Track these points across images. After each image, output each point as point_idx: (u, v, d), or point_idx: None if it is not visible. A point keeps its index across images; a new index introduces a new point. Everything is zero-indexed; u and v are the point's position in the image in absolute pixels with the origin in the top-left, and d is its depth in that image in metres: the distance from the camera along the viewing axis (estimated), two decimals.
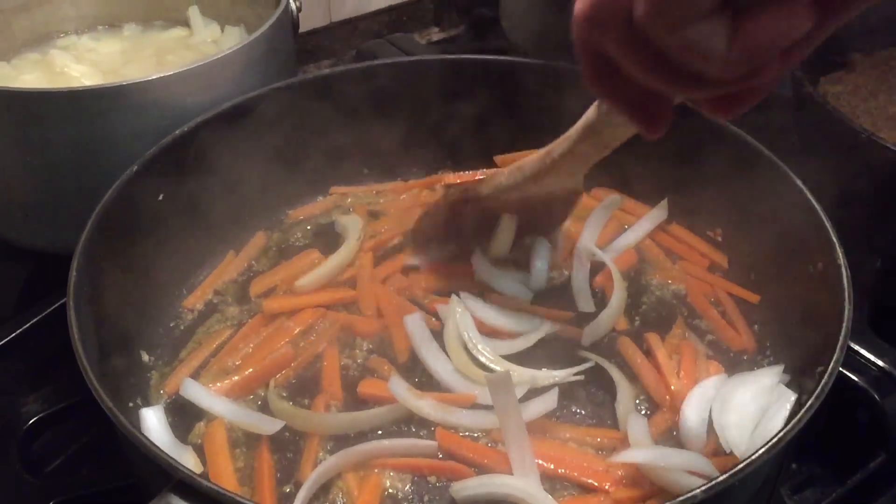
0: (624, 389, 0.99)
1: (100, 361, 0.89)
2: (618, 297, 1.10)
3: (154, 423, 0.93)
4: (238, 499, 0.68)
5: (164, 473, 0.71)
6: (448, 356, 1.02)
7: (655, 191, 1.22)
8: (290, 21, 1.31)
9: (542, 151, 1.03)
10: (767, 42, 0.49)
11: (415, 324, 1.05)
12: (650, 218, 1.22)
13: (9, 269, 1.29)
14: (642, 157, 1.15)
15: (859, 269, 1.16)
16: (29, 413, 1.02)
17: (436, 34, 1.97)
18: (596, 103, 0.89)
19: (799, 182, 1.02)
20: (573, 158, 0.99)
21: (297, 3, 1.35)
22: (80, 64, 1.41)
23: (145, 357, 1.04)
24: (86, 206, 0.99)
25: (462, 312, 1.06)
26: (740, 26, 0.49)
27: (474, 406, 0.97)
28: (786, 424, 0.75)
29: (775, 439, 0.73)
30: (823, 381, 0.77)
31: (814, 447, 1.06)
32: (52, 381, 1.06)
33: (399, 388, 0.96)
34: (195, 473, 0.70)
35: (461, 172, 1.32)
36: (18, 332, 1.10)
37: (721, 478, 0.70)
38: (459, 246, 1.16)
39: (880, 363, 1.02)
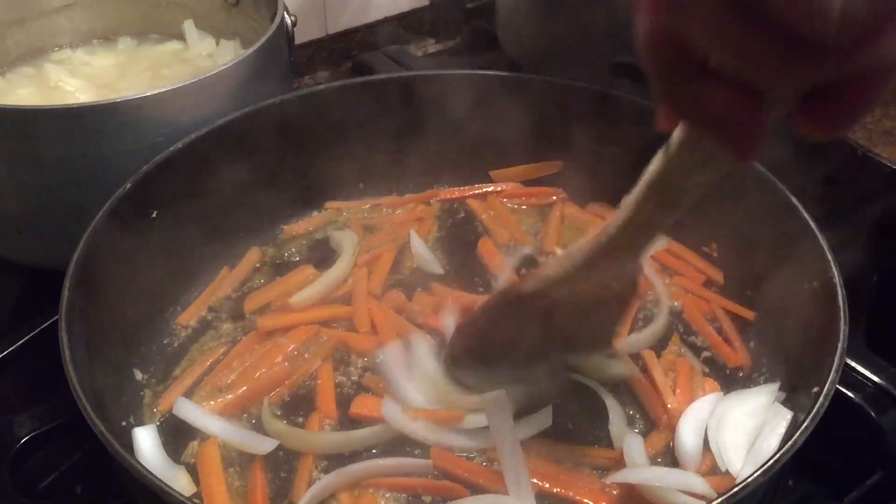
0: (615, 412, 0.98)
1: (92, 380, 0.89)
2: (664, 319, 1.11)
3: (147, 443, 0.92)
4: None
5: (155, 497, 0.71)
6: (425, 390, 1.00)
7: None
8: (285, 35, 1.31)
9: (594, 232, 0.84)
10: None
11: (391, 357, 1.03)
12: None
13: (2, 284, 1.28)
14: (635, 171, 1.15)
15: (856, 285, 1.17)
16: (21, 431, 1.02)
17: (432, 46, 1.97)
18: (663, 150, 0.72)
19: (794, 199, 1.01)
20: (634, 229, 0.79)
21: (293, 17, 1.34)
22: (74, 78, 1.41)
23: (138, 375, 1.04)
24: (79, 223, 0.99)
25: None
26: None
27: (468, 426, 0.96)
28: (782, 445, 0.75)
29: (772, 461, 0.72)
30: (819, 403, 0.77)
31: (810, 464, 1.05)
32: (45, 399, 1.06)
33: (392, 410, 0.96)
34: (187, 498, 0.70)
35: (456, 188, 1.32)
36: (11, 349, 1.08)
37: (717, 500, 0.70)
38: (499, 366, 0.99)
39: (876, 380, 1.02)
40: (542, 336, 0.92)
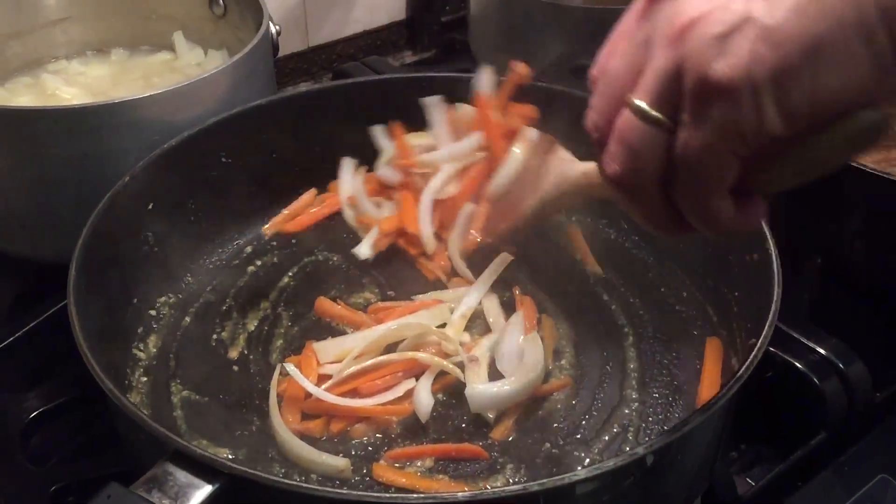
0: None
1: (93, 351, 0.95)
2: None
3: None
4: (229, 463, 0.75)
5: (160, 445, 0.78)
6: None
7: None
8: (270, 43, 1.39)
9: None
10: (760, 216, 0.71)
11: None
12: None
13: (6, 279, 1.35)
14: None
15: (801, 268, 1.26)
16: (30, 408, 1.10)
17: (409, 57, 2.06)
18: (590, 175, 0.94)
19: None
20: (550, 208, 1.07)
21: (277, 28, 1.43)
22: (70, 86, 1.49)
23: (138, 354, 1.11)
24: (80, 218, 1.04)
25: None
26: (742, 205, 0.68)
27: None
28: (719, 391, 0.83)
29: (711, 402, 0.81)
30: (754, 353, 0.85)
31: (759, 429, 1.14)
32: (50, 380, 1.14)
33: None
34: (190, 443, 0.77)
35: None
36: (19, 334, 1.16)
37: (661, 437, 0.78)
38: None
39: (820, 350, 1.10)
40: None
